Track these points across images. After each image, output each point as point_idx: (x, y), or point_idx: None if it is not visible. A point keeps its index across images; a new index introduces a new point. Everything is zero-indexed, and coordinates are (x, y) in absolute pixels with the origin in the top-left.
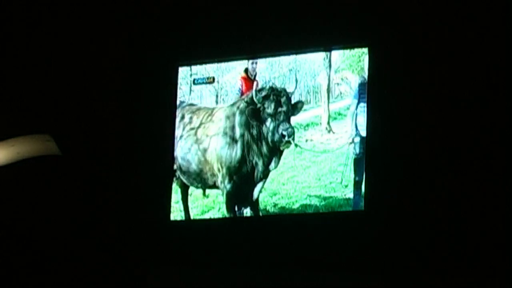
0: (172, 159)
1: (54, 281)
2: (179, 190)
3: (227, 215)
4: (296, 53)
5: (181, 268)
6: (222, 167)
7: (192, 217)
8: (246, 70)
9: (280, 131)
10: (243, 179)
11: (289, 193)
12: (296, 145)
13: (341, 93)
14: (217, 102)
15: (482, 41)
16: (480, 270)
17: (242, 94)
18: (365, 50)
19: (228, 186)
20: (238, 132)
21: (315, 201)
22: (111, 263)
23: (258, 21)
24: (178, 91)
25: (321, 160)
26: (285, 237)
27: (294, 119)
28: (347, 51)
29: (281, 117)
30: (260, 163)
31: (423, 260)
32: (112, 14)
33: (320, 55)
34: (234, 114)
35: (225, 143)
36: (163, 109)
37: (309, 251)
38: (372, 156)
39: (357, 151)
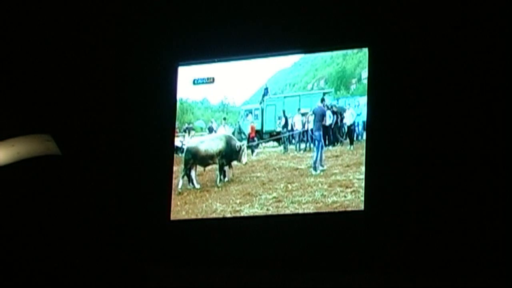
0: (172, 159)
1: (55, 281)
2: None
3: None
4: (296, 54)
5: (181, 268)
6: None
7: None
8: None
9: None
10: None
11: None
12: None
13: None
14: None
15: (482, 41)
16: (480, 270)
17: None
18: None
19: None
20: None
21: None
22: (111, 262)
23: (258, 22)
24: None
25: None
26: (285, 237)
27: None
28: None
29: None
30: None
31: (423, 260)
32: (112, 14)
33: None
34: None
35: None
36: (163, 109)
37: (309, 251)
38: (372, 157)
39: None
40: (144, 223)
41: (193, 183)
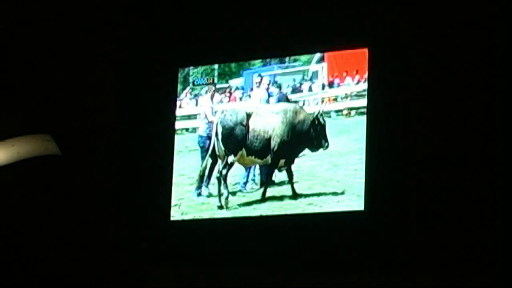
0: (172, 159)
1: (54, 281)
2: None
3: None
4: (295, 55)
5: (181, 268)
6: None
7: None
8: None
9: None
10: None
11: None
12: None
13: None
14: None
15: (483, 41)
16: (480, 270)
17: None
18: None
19: None
20: None
21: None
22: (111, 263)
23: (257, 23)
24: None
25: None
26: (285, 237)
27: None
28: None
29: None
30: None
31: (423, 260)
32: (112, 15)
33: None
34: None
35: None
36: (163, 110)
37: (309, 251)
38: (372, 157)
39: None
40: (144, 223)
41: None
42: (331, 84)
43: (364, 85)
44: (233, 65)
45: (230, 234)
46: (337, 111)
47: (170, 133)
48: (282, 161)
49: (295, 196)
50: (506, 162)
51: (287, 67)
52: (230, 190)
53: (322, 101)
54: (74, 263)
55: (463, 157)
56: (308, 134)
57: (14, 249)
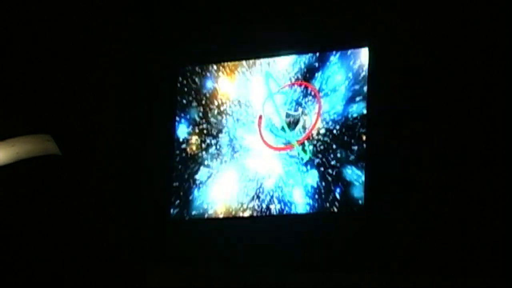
0: (172, 159)
1: (54, 281)
2: None
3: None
4: (295, 54)
5: (181, 268)
6: None
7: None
8: None
9: None
10: None
11: None
12: None
13: None
14: None
15: (483, 41)
16: (480, 270)
17: None
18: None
19: None
20: None
21: None
22: (111, 262)
23: (257, 23)
24: None
25: None
26: (285, 237)
27: None
28: None
29: None
30: None
31: (423, 260)
32: (113, 15)
33: None
34: None
35: None
36: (163, 109)
37: (309, 251)
38: (372, 156)
39: None
40: (143, 223)
41: None
42: None
43: None
44: None
45: (230, 234)
46: None
47: (170, 133)
48: None
49: None
50: (506, 162)
51: None
52: None
53: None
54: (74, 263)
55: (463, 157)
56: None
57: (14, 249)
